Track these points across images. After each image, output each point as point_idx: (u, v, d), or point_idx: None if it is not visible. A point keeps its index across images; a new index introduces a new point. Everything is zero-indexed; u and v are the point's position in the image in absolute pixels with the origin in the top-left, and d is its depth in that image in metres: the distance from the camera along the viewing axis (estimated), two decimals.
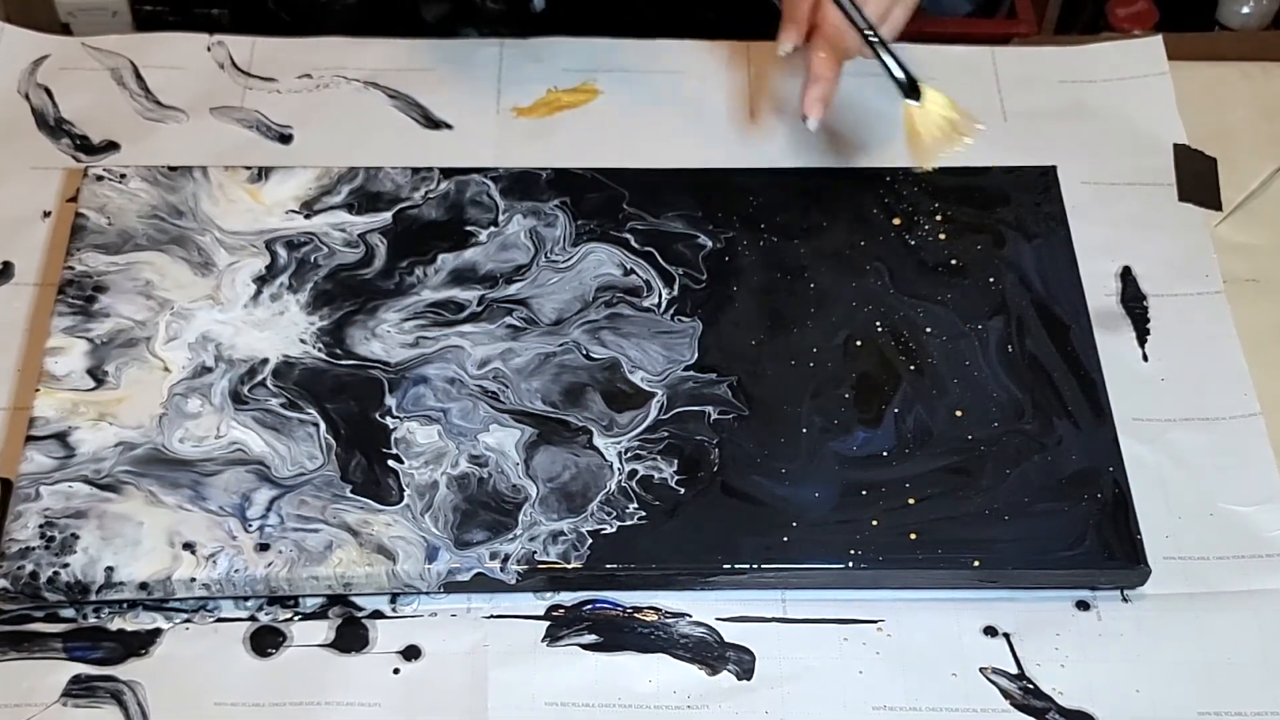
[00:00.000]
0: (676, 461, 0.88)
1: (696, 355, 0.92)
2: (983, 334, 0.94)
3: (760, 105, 1.09)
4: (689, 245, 0.97)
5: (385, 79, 1.10)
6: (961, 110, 0.95)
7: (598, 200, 0.99)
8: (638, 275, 0.96)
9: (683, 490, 0.87)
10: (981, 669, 0.84)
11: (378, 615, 0.85)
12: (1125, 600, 0.87)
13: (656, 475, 0.87)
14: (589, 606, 0.86)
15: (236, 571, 0.83)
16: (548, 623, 0.85)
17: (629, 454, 0.88)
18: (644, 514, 0.86)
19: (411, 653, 0.84)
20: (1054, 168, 1.02)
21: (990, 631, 0.85)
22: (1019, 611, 0.86)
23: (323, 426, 0.89)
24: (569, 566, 0.84)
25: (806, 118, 0.97)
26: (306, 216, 0.98)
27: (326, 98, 1.09)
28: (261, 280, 0.95)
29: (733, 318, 0.94)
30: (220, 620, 0.85)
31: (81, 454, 0.87)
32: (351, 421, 0.89)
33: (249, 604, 0.85)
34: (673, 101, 1.10)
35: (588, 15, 1.14)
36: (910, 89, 0.94)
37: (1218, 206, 1.04)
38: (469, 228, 0.98)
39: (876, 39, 0.94)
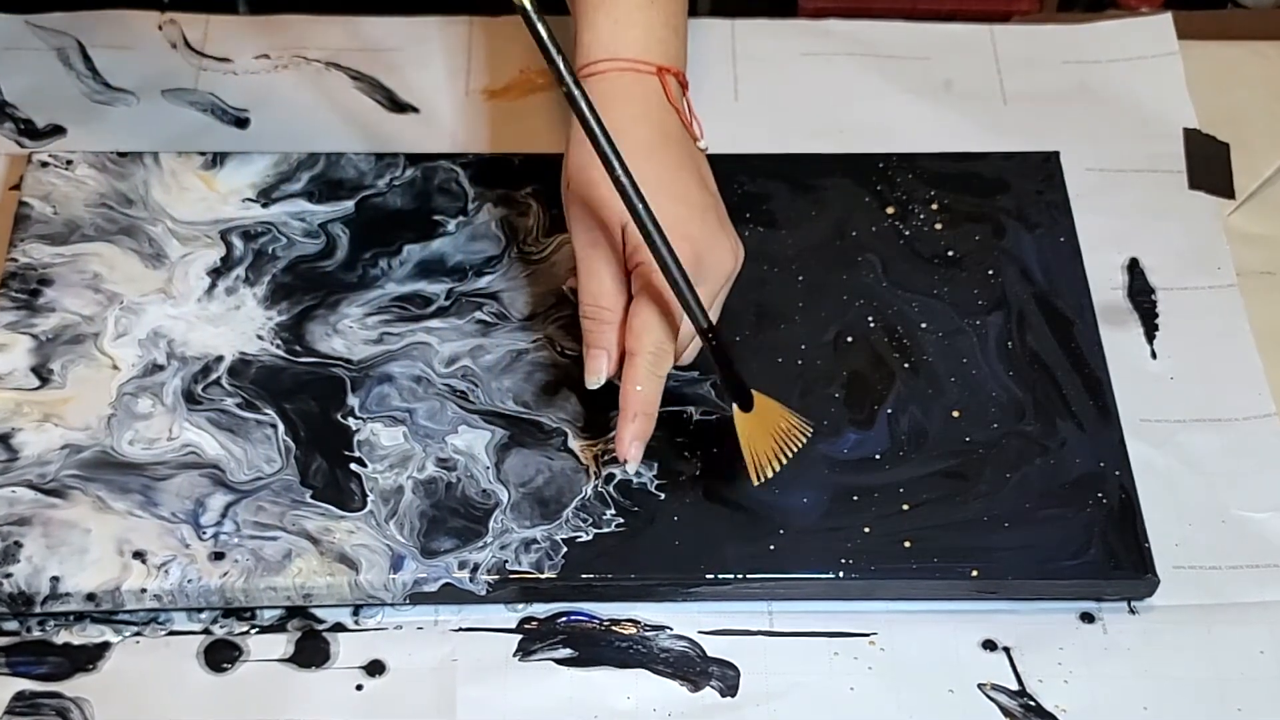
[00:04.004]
0: (656, 465, 0.88)
1: None
2: (981, 330, 0.94)
3: (746, 89, 1.09)
4: None
5: (348, 59, 1.10)
6: (793, 418, 0.84)
7: None
8: None
9: (663, 496, 0.87)
10: (980, 685, 0.84)
11: (339, 628, 0.85)
12: (1132, 612, 0.87)
13: (635, 480, 0.87)
14: (564, 619, 0.86)
15: (190, 582, 0.83)
16: (520, 636, 0.85)
17: (606, 457, 0.88)
18: (622, 521, 0.86)
19: (375, 668, 0.84)
20: (1057, 153, 1.03)
21: (989, 645, 0.85)
22: (1020, 624, 0.86)
23: (281, 428, 0.89)
24: (542, 576, 0.84)
25: (626, 462, 0.83)
26: (264, 205, 0.98)
27: (285, 79, 1.09)
28: (216, 273, 0.95)
29: None
30: (172, 633, 0.85)
31: (25, 457, 0.87)
32: (312, 423, 0.89)
33: (203, 616, 0.85)
34: None
35: None
36: (744, 397, 0.83)
37: (1230, 195, 1.05)
38: (436, 217, 0.98)
39: (716, 342, 0.81)
